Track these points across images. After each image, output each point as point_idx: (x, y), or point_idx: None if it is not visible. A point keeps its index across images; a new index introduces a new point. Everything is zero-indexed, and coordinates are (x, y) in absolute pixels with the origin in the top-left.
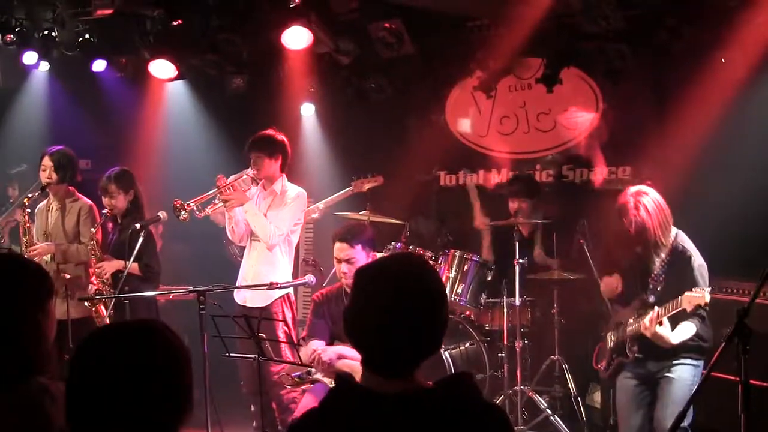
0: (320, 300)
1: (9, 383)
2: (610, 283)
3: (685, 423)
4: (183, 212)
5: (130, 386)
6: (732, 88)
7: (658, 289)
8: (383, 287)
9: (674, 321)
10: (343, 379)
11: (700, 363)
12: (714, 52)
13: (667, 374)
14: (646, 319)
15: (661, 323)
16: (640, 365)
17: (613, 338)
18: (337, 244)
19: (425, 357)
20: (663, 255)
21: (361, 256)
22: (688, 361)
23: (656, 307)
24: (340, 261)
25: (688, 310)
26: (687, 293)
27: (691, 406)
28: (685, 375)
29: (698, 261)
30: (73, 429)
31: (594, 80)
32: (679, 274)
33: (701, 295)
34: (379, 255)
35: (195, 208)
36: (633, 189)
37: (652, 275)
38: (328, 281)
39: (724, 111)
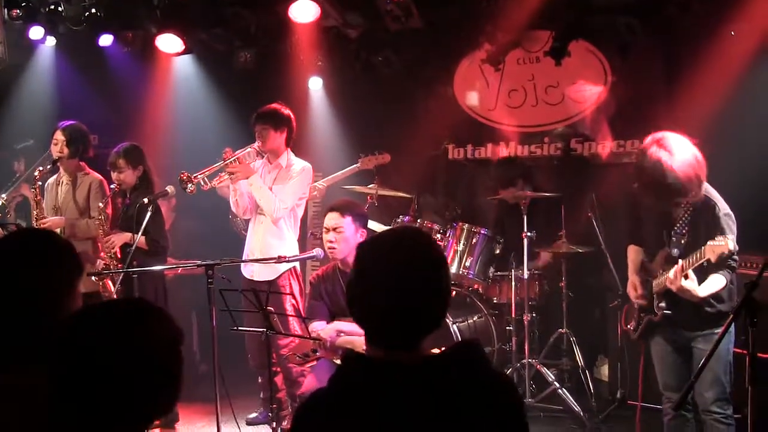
0: (316, 281)
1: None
2: (634, 286)
3: (727, 391)
4: (190, 185)
5: (119, 371)
6: (741, 61)
7: (682, 242)
8: (384, 260)
9: (705, 274)
10: (348, 354)
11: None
12: (723, 25)
13: (699, 346)
14: (671, 273)
15: (687, 276)
16: (673, 331)
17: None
18: (329, 214)
19: (430, 330)
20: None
21: (350, 229)
22: (717, 330)
23: (680, 260)
24: (328, 230)
25: (713, 259)
26: (709, 242)
27: (730, 374)
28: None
29: (724, 210)
30: (56, 416)
31: (602, 53)
32: (704, 225)
33: (724, 243)
34: (385, 228)
35: (201, 181)
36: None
37: (674, 228)
38: None
39: (732, 84)
